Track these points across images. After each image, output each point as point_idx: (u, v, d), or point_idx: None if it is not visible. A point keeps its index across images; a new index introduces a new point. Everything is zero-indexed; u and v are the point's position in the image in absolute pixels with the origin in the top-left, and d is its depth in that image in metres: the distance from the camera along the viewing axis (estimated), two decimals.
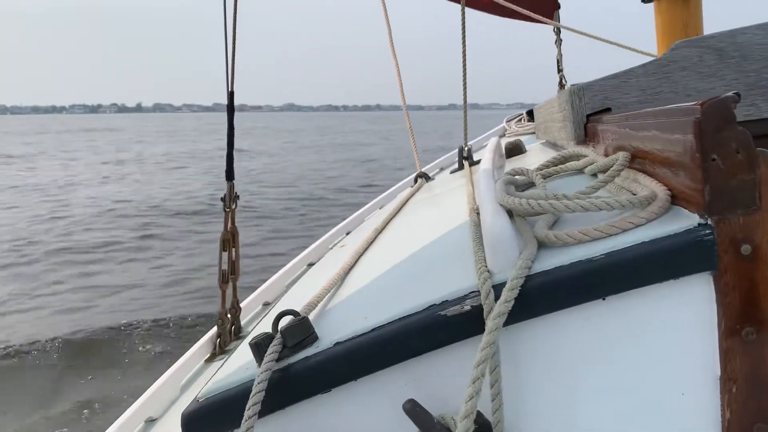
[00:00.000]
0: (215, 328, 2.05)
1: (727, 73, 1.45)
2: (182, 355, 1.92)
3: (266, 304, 2.34)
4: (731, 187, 0.77)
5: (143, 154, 29.32)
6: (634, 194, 0.96)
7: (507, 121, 5.03)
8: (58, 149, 34.34)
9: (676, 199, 0.88)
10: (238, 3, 1.92)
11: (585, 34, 3.39)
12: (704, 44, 1.46)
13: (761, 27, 1.45)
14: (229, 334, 2.07)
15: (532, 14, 3.69)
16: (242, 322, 2.13)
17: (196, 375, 1.85)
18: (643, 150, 1.03)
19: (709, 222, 0.78)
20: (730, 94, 0.78)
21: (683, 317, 0.81)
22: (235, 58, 2.03)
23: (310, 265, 2.61)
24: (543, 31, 5.00)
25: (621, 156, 1.08)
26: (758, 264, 0.77)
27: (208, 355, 1.96)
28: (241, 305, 2.12)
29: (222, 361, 1.87)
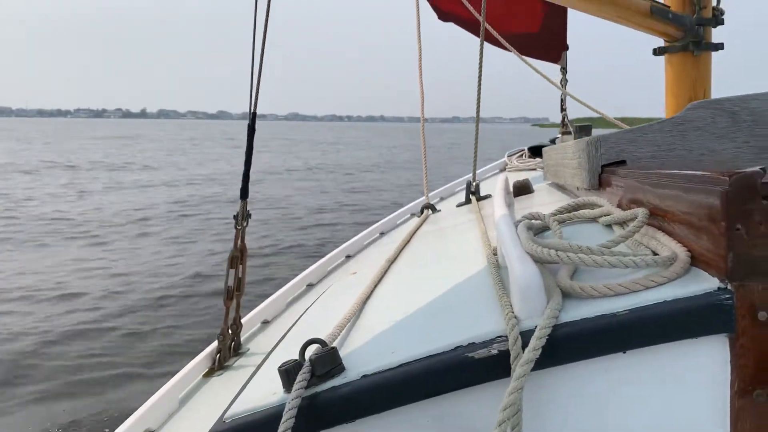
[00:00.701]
0: (215, 343, 2.06)
1: (739, 135, 1.50)
2: (181, 368, 1.93)
3: (265, 322, 2.36)
4: (753, 256, 0.81)
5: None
6: (655, 252, 1.00)
7: (508, 156, 5.11)
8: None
9: (695, 261, 0.93)
10: (267, 29, 1.96)
11: (581, 102, 3.52)
12: (718, 106, 1.51)
13: None
14: (229, 350, 2.09)
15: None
16: (241, 339, 2.15)
17: (195, 389, 1.86)
18: (662, 208, 1.08)
19: (729, 287, 0.82)
20: (757, 169, 0.82)
21: (699, 375, 0.85)
22: (260, 76, 2.07)
23: (310, 285, 2.64)
24: None
25: (641, 213, 1.13)
26: None
27: (207, 369, 1.98)
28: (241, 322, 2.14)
29: (222, 377, 1.88)
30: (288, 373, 0.91)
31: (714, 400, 0.84)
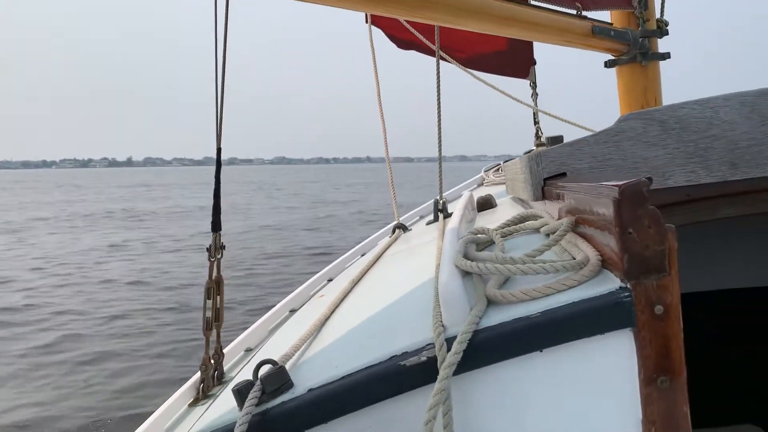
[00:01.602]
0: (198, 374, 2.13)
1: (669, 143, 1.60)
2: (166, 399, 1.99)
3: (248, 350, 2.43)
4: (645, 256, 0.91)
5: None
6: (573, 257, 1.09)
7: (485, 171, 5.23)
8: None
9: (606, 263, 1.02)
10: (226, 62, 2.05)
11: (551, 115, 3.64)
12: (649, 117, 1.61)
13: (698, 102, 1.61)
14: (212, 379, 2.15)
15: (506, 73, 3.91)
16: (225, 368, 2.21)
17: (180, 419, 1.92)
18: (583, 217, 1.18)
19: (628, 285, 0.92)
20: (643, 179, 0.92)
21: (609, 367, 0.94)
22: (224, 115, 2.16)
23: (292, 311, 2.71)
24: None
25: (566, 222, 1.22)
26: (669, 322, 0.91)
27: (192, 399, 2.04)
28: (224, 351, 2.21)
29: (205, 406, 1.95)
30: (240, 392, 1.00)
31: (625, 390, 0.93)
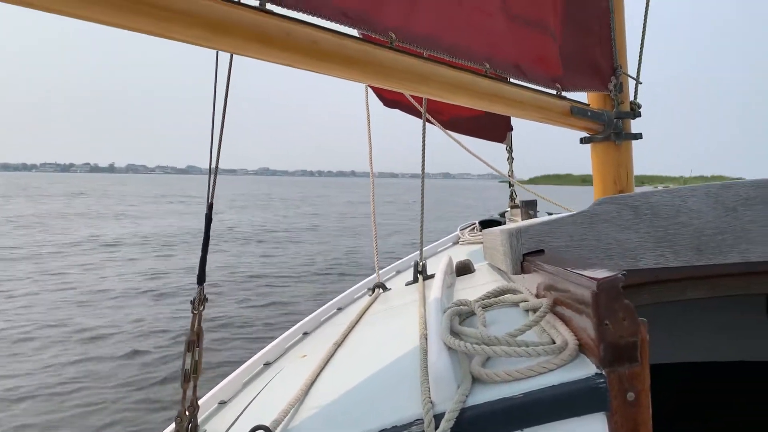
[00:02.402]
0: (173, 425, 2.13)
1: (641, 227, 1.71)
2: None
3: (222, 403, 2.43)
4: (619, 346, 0.99)
5: None
6: (553, 340, 1.17)
7: (461, 230, 5.35)
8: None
9: (582, 347, 1.10)
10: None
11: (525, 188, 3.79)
12: (623, 202, 1.73)
13: (668, 191, 1.74)
14: (186, 431, 2.15)
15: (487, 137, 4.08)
16: (198, 420, 2.21)
17: None
18: (561, 300, 1.26)
19: (603, 372, 1.00)
20: (619, 275, 1.01)
21: None
22: (218, 167, 2.20)
23: (267, 364, 2.72)
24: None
25: (545, 303, 1.31)
26: (640, 408, 0.99)
27: None
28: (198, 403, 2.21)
29: None
30: None
31: None
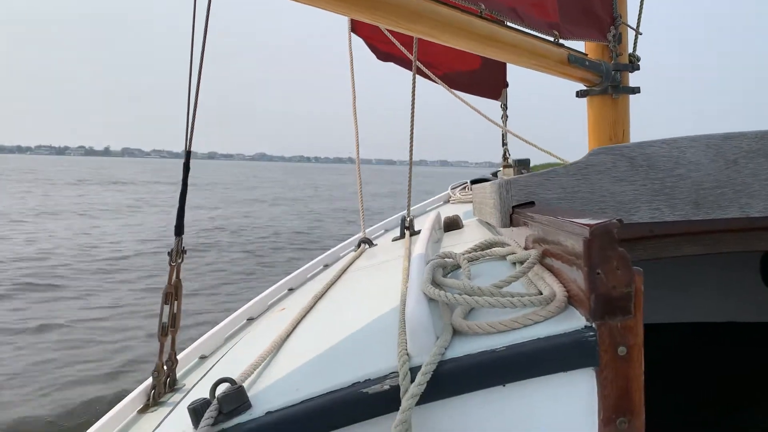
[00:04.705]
0: (150, 379, 2.07)
1: (636, 179, 1.63)
2: (115, 404, 1.93)
3: (202, 357, 2.38)
4: (612, 297, 0.91)
5: None
6: (540, 292, 1.10)
7: (452, 189, 5.26)
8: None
9: (572, 299, 1.03)
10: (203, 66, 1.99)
11: (520, 138, 3.71)
12: (618, 152, 1.64)
13: (666, 141, 1.65)
14: (164, 386, 2.10)
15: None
16: (178, 375, 2.16)
17: (129, 425, 1.87)
18: (551, 251, 1.19)
19: (593, 325, 0.93)
20: (613, 220, 0.93)
21: (570, 405, 0.94)
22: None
23: (250, 319, 2.66)
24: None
25: (533, 253, 1.23)
26: (631, 363, 0.92)
27: (142, 405, 1.99)
28: (178, 357, 2.16)
29: (156, 413, 1.90)
30: (196, 411, 0.97)
31: (584, 429, 0.93)
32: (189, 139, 2.13)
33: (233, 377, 1.09)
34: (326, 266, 3.42)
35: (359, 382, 0.97)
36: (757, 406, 2.77)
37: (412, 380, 0.92)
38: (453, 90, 4.04)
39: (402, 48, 3.42)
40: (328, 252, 3.62)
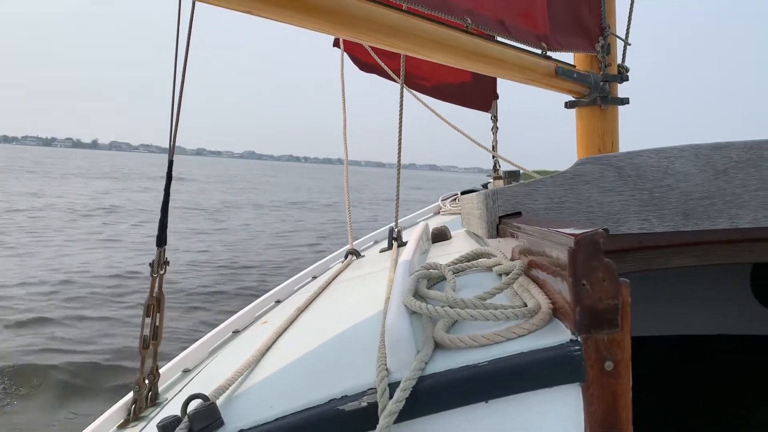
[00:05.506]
0: (132, 393, 2.03)
1: (624, 189, 1.61)
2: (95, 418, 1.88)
3: (186, 371, 2.33)
4: (598, 309, 0.88)
5: None
6: (525, 304, 1.07)
7: (442, 200, 5.24)
8: None
9: (557, 311, 1.00)
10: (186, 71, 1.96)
11: (505, 159, 3.67)
12: (606, 162, 1.62)
13: (655, 151, 1.63)
14: (146, 400, 2.05)
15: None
16: (160, 388, 2.11)
17: None
18: (536, 261, 1.16)
19: (579, 339, 0.89)
20: (599, 230, 0.91)
21: (555, 423, 0.90)
22: (181, 116, 2.07)
23: (236, 332, 2.62)
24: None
25: (518, 264, 1.20)
26: (619, 379, 0.89)
27: (122, 420, 1.94)
28: (161, 370, 2.11)
29: (134, 428, 1.85)
30: (165, 429, 0.93)
31: None
32: (171, 148, 2.10)
33: (209, 392, 1.05)
34: (314, 278, 3.38)
35: (336, 398, 0.93)
36: (747, 416, 2.74)
37: (391, 396, 0.89)
38: (437, 112, 4.02)
39: (386, 68, 3.39)
40: (317, 263, 3.58)
